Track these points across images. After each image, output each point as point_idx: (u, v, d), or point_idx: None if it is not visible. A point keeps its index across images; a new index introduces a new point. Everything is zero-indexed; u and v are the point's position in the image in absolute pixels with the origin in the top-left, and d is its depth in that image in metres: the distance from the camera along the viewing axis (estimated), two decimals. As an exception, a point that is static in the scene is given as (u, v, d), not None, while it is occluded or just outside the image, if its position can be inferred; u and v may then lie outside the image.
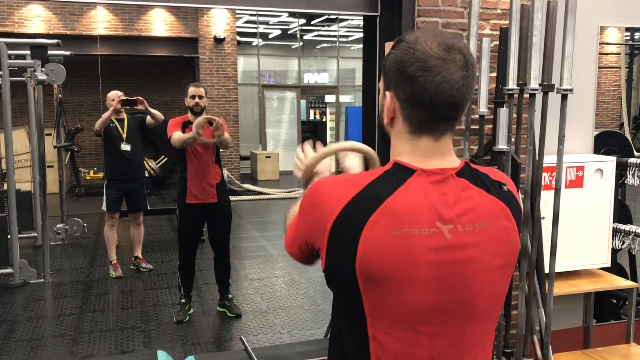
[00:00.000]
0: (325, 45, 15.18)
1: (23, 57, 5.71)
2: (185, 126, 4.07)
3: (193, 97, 4.09)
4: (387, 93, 1.07)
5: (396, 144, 1.10)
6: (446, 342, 1.04)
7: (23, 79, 5.55)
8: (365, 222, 0.99)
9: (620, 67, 8.24)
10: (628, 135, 6.32)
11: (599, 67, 3.09)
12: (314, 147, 1.40)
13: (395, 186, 1.02)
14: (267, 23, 13.89)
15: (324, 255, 1.05)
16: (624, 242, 3.20)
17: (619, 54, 7.97)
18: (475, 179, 1.07)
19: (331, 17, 13.52)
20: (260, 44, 13.68)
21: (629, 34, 7.72)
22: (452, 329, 1.04)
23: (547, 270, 2.62)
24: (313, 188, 1.09)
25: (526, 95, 2.54)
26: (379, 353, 1.04)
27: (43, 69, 5.17)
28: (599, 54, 3.06)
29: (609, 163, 2.94)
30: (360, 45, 10.46)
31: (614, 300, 3.59)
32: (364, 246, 0.99)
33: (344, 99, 14.90)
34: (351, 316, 1.06)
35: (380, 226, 0.99)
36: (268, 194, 10.28)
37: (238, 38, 11.66)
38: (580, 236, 2.90)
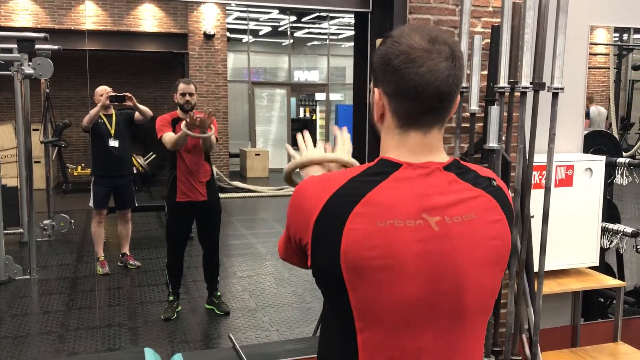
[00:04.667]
0: (315, 42, 15.15)
1: (10, 50, 5.63)
2: (175, 124, 4.03)
3: (183, 94, 4.04)
4: (376, 89, 1.07)
5: (385, 139, 1.09)
6: (435, 338, 1.03)
7: (10, 73, 5.47)
8: (348, 215, 0.99)
9: (608, 68, 8.30)
10: (616, 136, 6.36)
11: (588, 68, 3.10)
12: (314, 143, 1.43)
13: (379, 180, 1.01)
14: (257, 20, 13.83)
15: (310, 252, 1.05)
16: (612, 242, 3.22)
17: (608, 54, 8.03)
18: (463, 174, 1.06)
19: (322, 14, 13.49)
20: (250, 41, 13.63)
21: (617, 35, 7.77)
22: (441, 325, 1.02)
23: (536, 269, 2.63)
24: (296, 189, 1.10)
25: (517, 94, 2.54)
26: (366, 348, 1.02)
27: (30, 63, 5.11)
28: (588, 54, 3.06)
29: (599, 162, 2.95)
30: (351, 44, 10.44)
31: (602, 299, 3.61)
32: (347, 238, 0.98)
33: (335, 97, 14.88)
34: (338, 311, 1.05)
35: (364, 218, 0.98)
36: (257, 192, 10.24)
37: (228, 34, 11.60)
38: (569, 235, 2.91)
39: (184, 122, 3.85)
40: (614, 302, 3.22)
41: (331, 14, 13.40)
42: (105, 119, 5.10)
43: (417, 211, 1.00)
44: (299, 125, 15.41)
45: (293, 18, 13.79)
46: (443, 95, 1.01)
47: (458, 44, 1.06)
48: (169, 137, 3.96)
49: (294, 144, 1.45)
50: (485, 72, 2.60)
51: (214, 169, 5.25)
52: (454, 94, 1.03)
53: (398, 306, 1.00)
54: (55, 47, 5.80)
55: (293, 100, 14.46)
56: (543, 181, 2.66)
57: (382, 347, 1.02)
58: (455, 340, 1.05)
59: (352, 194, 1.00)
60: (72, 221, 6.39)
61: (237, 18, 13.20)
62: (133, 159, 6.58)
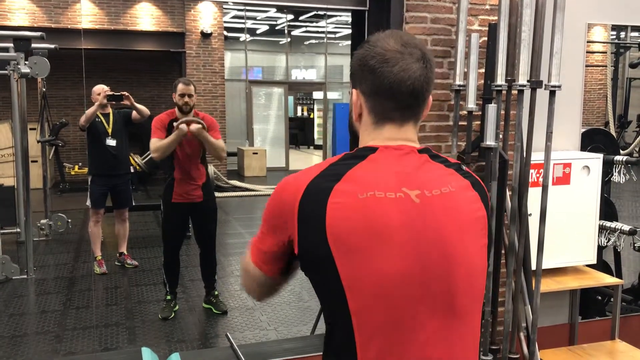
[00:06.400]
0: (313, 41, 15.15)
1: (6, 49, 5.61)
2: (171, 127, 3.98)
3: (182, 95, 4.01)
4: (354, 90, 1.14)
5: (363, 135, 1.15)
6: (430, 319, 1.03)
7: (6, 72, 5.46)
8: (330, 191, 1.03)
9: (606, 66, 8.31)
10: (613, 134, 6.36)
11: (585, 66, 3.10)
12: None
13: (357, 161, 1.07)
14: (254, 18, 13.82)
15: (296, 236, 1.06)
16: (609, 239, 3.22)
17: (605, 52, 8.04)
18: (435, 157, 1.13)
19: (319, 13, 13.49)
20: (247, 40, 13.61)
21: (614, 32, 7.78)
22: (435, 304, 1.04)
23: (534, 267, 2.62)
24: (276, 187, 1.13)
25: (514, 92, 2.53)
26: (361, 328, 1.03)
27: (26, 62, 5.09)
28: (586, 52, 3.06)
29: (596, 160, 2.94)
30: (349, 42, 10.43)
31: (600, 297, 3.61)
32: (331, 212, 1.02)
33: (332, 95, 14.88)
34: (331, 295, 1.06)
35: (345, 192, 1.03)
36: (255, 191, 10.24)
37: (225, 33, 11.58)
38: (566, 233, 2.90)
39: (178, 123, 3.85)
40: (612, 300, 3.22)
41: (328, 13, 13.39)
42: (102, 118, 5.08)
43: (396, 185, 1.05)
44: (296, 124, 15.44)
45: (290, 16, 13.78)
46: (416, 93, 1.09)
47: (428, 48, 1.16)
48: (154, 144, 3.89)
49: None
50: (483, 70, 2.60)
51: (211, 168, 5.24)
52: (425, 92, 1.11)
53: (388, 281, 1.01)
54: (52, 46, 5.79)
55: (291, 98, 14.48)
56: (540, 179, 2.65)
57: (378, 330, 1.02)
58: (451, 322, 1.05)
59: (333, 175, 1.05)
60: (70, 220, 6.39)
61: (235, 16, 13.19)
62: (130, 158, 6.57)
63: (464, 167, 1.16)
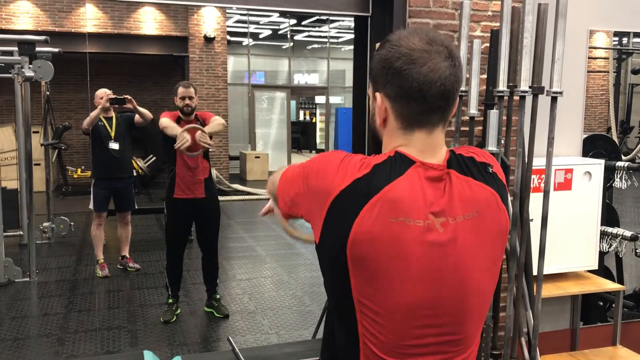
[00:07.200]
0: (315, 46, 15.18)
1: (10, 53, 5.64)
2: (178, 122, 4.04)
3: (183, 98, 4.05)
4: (377, 94, 1.08)
5: (389, 140, 1.09)
6: (438, 336, 1.05)
7: (10, 75, 5.49)
8: (363, 204, 0.99)
9: (608, 72, 8.30)
10: (615, 139, 6.36)
11: (587, 71, 3.11)
12: None
13: (396, 174, 1.02)
14: (257, 23, 13.86)
15: (320, 229, 1.05)
16: (611, 245, 3.22)
17: (607, 58, 8.04)
18: (462, 167, 1.07)
19: (322, 17, 13.51)
20: (250, 44, 13.64)
21: (617, 38, 7.78)
22: (444, 323, 1.04)
23: (535, 273, 2.63)
24: (324, 158, 1.08)
25: (516, 98, 2.54)
26: (366, 339, 1.04)
27: (31, 66, 5.12)
28: (588, 58, 3.07)
29: (598, 166, 2.95)
30: (351, 47, 10.44)
31: (601, 303, 3.61)
32: (358, 227, 0.99)
33: (334, 100, 14.90)
34: (340, 300, 1.06)
35: (377, 210, 0.99)
36: (257, 194, 10.24)
37: (228, 37, 11.62)
38: (568, 239, 2.91)
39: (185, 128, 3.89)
40: (613, 305, 3.22)
41: (331, 17, 13.42)
42: (105, 122, 5.10)
43: (425, 212, 1.01)
44: (298, 128, 15.46)
45: (293, 21, 13.81)
46: (447, 94, 1.03)
47: (453, 44, 1.07)
48: (166, 121, 3.96)
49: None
50: (485, 76, 2.61)
51: (214, 171, 5.24)
52: (455, 92, 1.05)
53: (399, 307, 1.01)
54: (56, 49, 5.81)
55: (293, 103, 14.49)
56: (542, 185, 2.66)
57: (383, 344, 1.03)
58: (455, 343, 1.07)
59: (373, 184, 1.01)
60: (72, 224, 6.39)
61: (238, 21, 13.22)
62: (133, 161, 6.58)
63: (491, 169, 1.10)
